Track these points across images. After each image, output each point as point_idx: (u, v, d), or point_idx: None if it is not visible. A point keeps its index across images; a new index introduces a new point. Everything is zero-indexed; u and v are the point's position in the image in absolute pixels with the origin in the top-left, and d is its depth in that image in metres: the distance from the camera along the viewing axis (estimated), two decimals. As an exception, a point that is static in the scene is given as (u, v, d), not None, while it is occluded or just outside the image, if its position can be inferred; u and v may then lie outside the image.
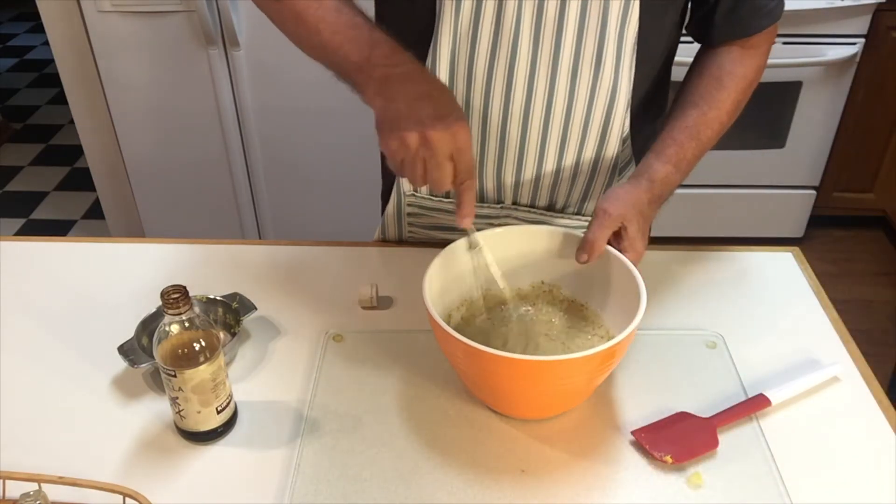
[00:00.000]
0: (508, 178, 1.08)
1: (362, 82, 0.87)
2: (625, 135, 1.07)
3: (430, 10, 0.98)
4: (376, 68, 0.86)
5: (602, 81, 1.00)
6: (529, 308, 1.00)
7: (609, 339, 0.93)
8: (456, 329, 0.92)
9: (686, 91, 1.05)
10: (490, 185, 1.10)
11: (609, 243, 0.92)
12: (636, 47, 0.99)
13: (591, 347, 0.94)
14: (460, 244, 0.94)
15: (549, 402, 0.90)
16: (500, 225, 1.03)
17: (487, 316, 0.99)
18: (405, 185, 1.14)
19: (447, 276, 0.93)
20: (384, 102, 0.85)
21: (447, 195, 1.13)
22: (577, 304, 0.99)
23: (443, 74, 1.01)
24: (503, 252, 0.97)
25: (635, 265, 0.90)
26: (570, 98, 1.01)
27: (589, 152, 1.06)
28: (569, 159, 1.06)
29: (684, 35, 1.09)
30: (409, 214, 1.17)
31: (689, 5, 1.05)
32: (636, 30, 0.98)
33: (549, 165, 1.06)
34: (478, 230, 0.94)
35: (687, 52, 1.11)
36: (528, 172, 1.07)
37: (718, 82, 1.03)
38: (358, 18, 0.90)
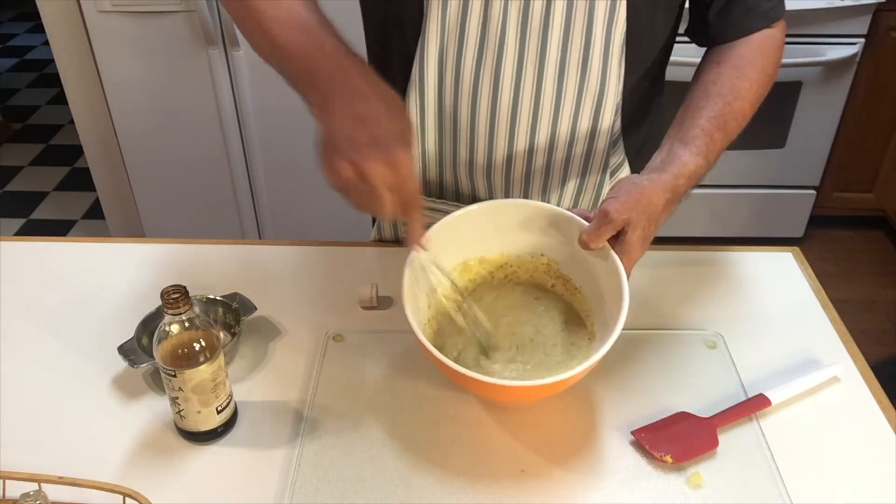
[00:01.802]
0: (498, 180, 1.08)
1: (308, 94, 0.82)
2: (616, 136, 1.07)
3: (417, 12, 0.97)
4: (320, 81, 0.80)
5: (589, 82, 0.99)
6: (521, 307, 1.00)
7: (592, 336, 0.94)
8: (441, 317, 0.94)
9: (706, 80, 1.00)
10: (481, 186, 1.09)
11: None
12: (625, 49, 0.98)
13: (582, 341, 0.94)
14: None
15: (524, 402, 0.93)
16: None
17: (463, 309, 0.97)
18: None
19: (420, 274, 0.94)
20: (325, 121, 0.79)
21: (440, 194, 1.13)
22: (572, 284, 0.98)
23: (430, 78, 1.00)
24: (502, 223, 0.97)
25: (627, 269, 0.87)
26: (557, 99, 1.00)
27: (578, 152, 1.06)
28: (558, 160, 1.06)
29: (680, 35, 1.09)
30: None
31: (688, 7, 1.05)
32: (624, 31, 0.97)
33: (539, 165, 1.06)
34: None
35: (684, 52, 1.11)
36: (518, 173, 1.07)
37: (740, 72, 0.98)
38: (312, 21, 0.85)
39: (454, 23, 0.97)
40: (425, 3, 0.96)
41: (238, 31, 2.11)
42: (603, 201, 0.88)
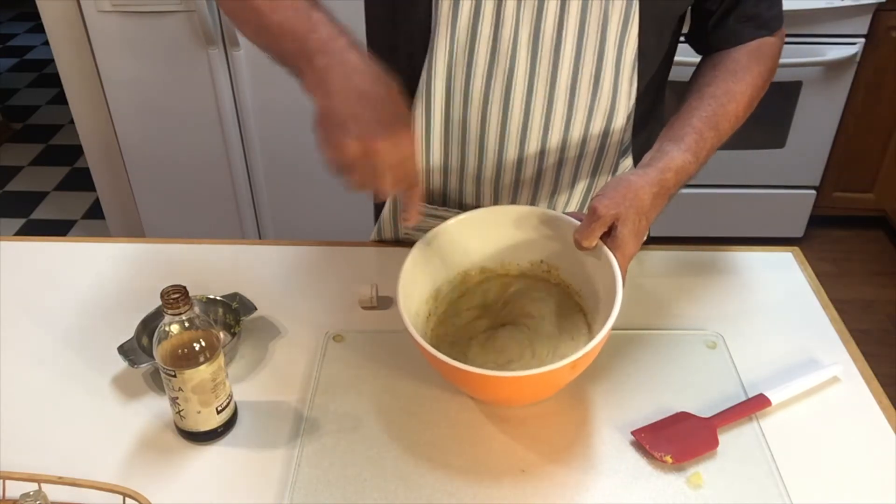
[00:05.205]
0: (506, 190, 1.08)
1: (301, 70, 0.81)
2: (626, 144, 1.07)
3: (425, 28, 0.96)
4: (315, 55, 0.79)
5: (600, 100, 0.99)
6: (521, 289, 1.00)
7: (589, 333, 0.94)
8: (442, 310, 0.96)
9: (701, 82, 1.01)
10: (487, 194, 1.09)
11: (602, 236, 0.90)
12: (636, 65, 0.98)
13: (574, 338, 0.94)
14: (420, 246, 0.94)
15: (524, 399, 0.92)
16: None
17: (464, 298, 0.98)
18: None
19: (422, 273, 0.94)
20: (323, 99, 0.78)
21: (443, 202, 1.13)
22: (572, 289, 0.98)
23: (438, 93, 1.00)
24: (498, 229, 0.97)
25: (622, 266, 0.87)
26: (568, 115, 1.00)
27: (586, 167, 1.06)
28: (568, 164, 1.06)
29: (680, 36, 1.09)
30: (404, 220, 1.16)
31: (690, 16, 1.05)
32: (636, 49, 0.96)
33: (549, 169, 1.06)
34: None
35: (685, 52, 1.11)
36: (527, 183, 1.06)
37: (734, 76, 0.99)
38: (301, 1, 0.84)
39: (463, 42, 0.96)
40: (433, 23, 0.96)
41: (238, 31, 2.12)
42: (591, 199, 0.88)
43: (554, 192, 1.08)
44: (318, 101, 0.79)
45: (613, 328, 0.83)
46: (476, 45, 0.96)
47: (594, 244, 0.88)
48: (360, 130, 0.76)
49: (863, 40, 2.39)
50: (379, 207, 1.21)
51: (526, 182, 1.06)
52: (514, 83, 0.97)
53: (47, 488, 0.79)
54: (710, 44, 1.05)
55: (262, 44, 0.87)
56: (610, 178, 1.09)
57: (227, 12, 0.92)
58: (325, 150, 0.79)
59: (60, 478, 0.79)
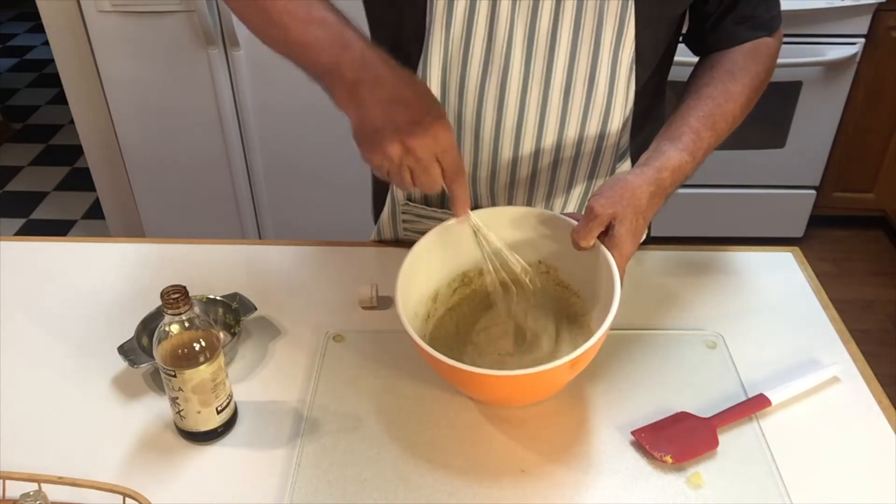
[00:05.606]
0: (502, 190, 1.08)
1: (333, 86, 0.84)
2: (623, 148, 1.07)
3: (422, 26, 0.97)
4: (346, 71, 0.82)
5: (595, 99, 0.99)
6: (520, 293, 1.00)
7: (588, 332, 0.94)
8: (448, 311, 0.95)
9: (699, 83, 1.01)
10: (485, 196, 1.09)
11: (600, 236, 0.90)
12: (633, 66, 0.98)
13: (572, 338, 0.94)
14: (425, 242, 0.94)
15: (524, 399, 0.92)
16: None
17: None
18: (399, 194, 1.13)
19: (421, 274, 0.94)
20: (357, 111, 0.82)
21: (441, 204, 1.13)
22: (571, 290, 0.98)
23: (434, 89, 1.00)
24: (496, 230, 0.97)
25: (620, 265, 0.87)
26: (562, 115, 1.00)
27: (583, 170, 1.06)
28: (563, 174, 1.06)
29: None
30: (403, 221, 1.16)
31: (688, 17, 1.05)
32: (632, 51, 0.96)
33: (543, 180, 1.06)
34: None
35: (685, 52, 1.11)
36: (522, 183, 1.06)
37: (732, 76, 1.00)
38: (328, 14, 0.85)
39: (458, 41, 0.96)
40: (428, 22, 0.96)
41: (240, 29, 2.12)
42: (588, 199, 0.88)
43: (550, 195, 1.08)
44: (352, 113, 0.83)
45: (613, 328, 0.83)
46: (471, 43, 0.96)
47: (592, 244, 0.89)
48: (398, 132, 0.80)
49: (863, 40, 2.39)
50: (378, 208, 1.21)
51: (521, 182, 1.06)
52: (509, 80, 0.97)
53: (47, 488, 0.79)
54: (708, 44, 1.05)
55: (288, 56, 0.88)
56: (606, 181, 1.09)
57: (253, 31, 0.90)
58: (370, 158, 0.83)
59: (60, 478, 0.79)
